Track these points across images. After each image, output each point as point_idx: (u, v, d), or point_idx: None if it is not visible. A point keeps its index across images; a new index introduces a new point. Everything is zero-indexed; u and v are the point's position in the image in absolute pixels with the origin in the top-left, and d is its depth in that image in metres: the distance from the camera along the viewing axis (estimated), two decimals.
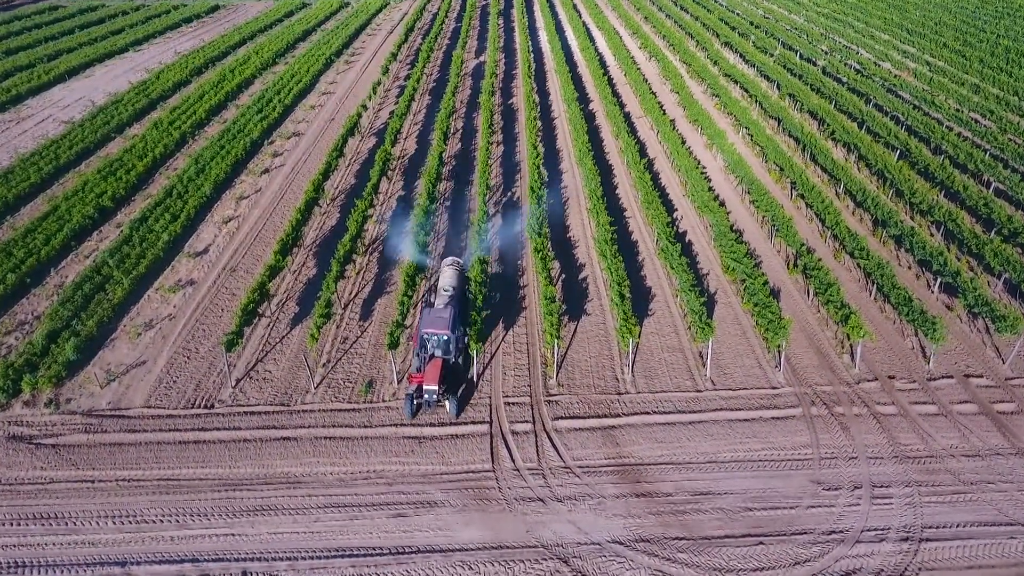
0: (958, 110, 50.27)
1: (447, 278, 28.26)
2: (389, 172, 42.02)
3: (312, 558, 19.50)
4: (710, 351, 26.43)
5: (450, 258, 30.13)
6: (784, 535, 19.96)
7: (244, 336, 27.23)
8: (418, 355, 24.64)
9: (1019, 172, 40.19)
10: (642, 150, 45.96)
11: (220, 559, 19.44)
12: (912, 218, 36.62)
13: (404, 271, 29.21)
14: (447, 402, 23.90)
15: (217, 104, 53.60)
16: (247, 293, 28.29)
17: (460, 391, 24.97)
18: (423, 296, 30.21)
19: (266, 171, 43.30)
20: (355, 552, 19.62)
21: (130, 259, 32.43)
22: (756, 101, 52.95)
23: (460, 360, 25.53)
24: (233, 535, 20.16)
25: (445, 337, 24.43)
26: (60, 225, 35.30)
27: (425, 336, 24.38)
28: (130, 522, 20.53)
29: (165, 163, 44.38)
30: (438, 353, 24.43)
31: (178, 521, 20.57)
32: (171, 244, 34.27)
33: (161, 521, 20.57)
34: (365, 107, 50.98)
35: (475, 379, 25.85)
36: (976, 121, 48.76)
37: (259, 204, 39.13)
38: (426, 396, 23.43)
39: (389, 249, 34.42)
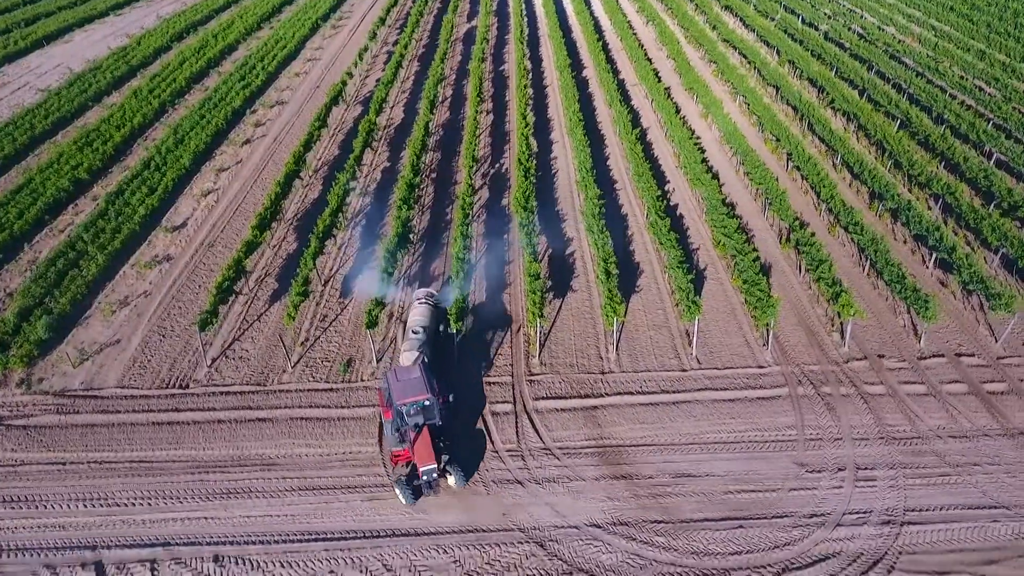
0: (962, 77, 48.77)
1: (417, 316, 24.37)
2: (374, 143, 40.89)
3: (286, 541, 19.22)
4: (696, 329, 25.85)
5: (422, 291, 26.01)
6: (764, 518, 19.65)
7: (219, 315, 26.60)
8: (398, 428, 20.45)
9: (1022, 143, 39.06)
10: (635, 120, 44.71)
11: (192, 543, 19.15)
12: (910, 190, 35.69)
13: (385, 247, 28.42)
14: (450, 475, 20.33)
15: (199, 71, 52.00)
16: (222, 270, 27.56)
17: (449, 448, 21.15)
18: (396, 329, 26.46)
19: (247, 141, 42.12)
20: (330, 536, 19.33)
21: (105, 234, 31.62)
22: (755, 68, 51.38)
23: (444, 413, 21.37)
24: (206, 518, 19.85)
25: (426, 402, 20.34)
26: (34, 198, 34.37)
27: (403, 408, 20.18)
28: (102, 505, 20.21)
29: (144, 133, 43.15)
30: (420, 420, 20.34)
31: (150, 504, 20.25)
32: (148, 218, 33.41)
33: (133, 504, 20.25)
34: (351, 75, 49.45)
35: (456, 358, 25.32)
36: (980, 89, 47.32)
37: (239, 176, 38.11)
38: (425, 478, 19.62)
39: (371, 224, 33.58)
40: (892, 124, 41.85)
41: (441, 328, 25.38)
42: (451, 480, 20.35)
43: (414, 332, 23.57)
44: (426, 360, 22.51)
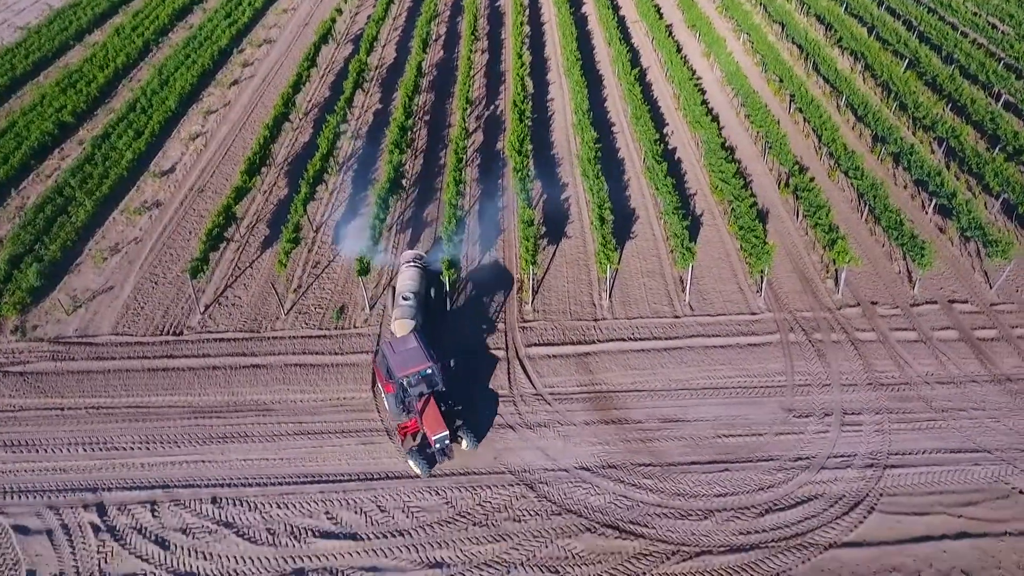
0: (975, 14, 46.89)
1: (407, 280, 23.33)
2: (365, 84, 39.66)
3: (281, 483, 19.69)
4: (690, 276, 25.73)
5: (410, 253, 24.92)
6: (750, 462, 20.07)
7: (210, 262, 26.41)
8: (401, 400, 20.08)
9: None
10: (635, 59, 43.26)
11: (190, 485, 19.63)
12: (914, 133, 34.87)
13: (376, 193, 27.96)
14: (462, 438, 20.16)
15: (182, 7, 49.98)
16: (211, 217, 27.21)
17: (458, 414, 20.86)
18: (383, 293, 25.54)
19: (235, 82, 40.88)
20: (324, 478, 19.79)
21: (93, 179, 31.08)
22: (760, 3, 49.34)
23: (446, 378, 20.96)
24: (203, 461, 20.29)
25: (428, 371, 19.82)
26: (18, 143, 33.62)
27: (404, 380, 19.65)
28: (101, 449, 20.61)
29: (128, 74, 41.83)
30: (424, 389, 19.91)
31: (149, 448, 20.65)
32: (135, 163, 32.77)
33: (132, 448, 20.65)
34: (340, 11, 47.53)
35: (448, 305, 25.32)
36: (993, 26, 45.58)
37: (228, 119, 37.16)
38: (438, 445, 19.44)
39: (363, 168, 32.95)
40: (899, 64, 40.53)
41: (432, 291, 24.58)
42: (464, 444, 20.14)
43: (404, 298, 22.56)
44: (419, 326, 22.08)
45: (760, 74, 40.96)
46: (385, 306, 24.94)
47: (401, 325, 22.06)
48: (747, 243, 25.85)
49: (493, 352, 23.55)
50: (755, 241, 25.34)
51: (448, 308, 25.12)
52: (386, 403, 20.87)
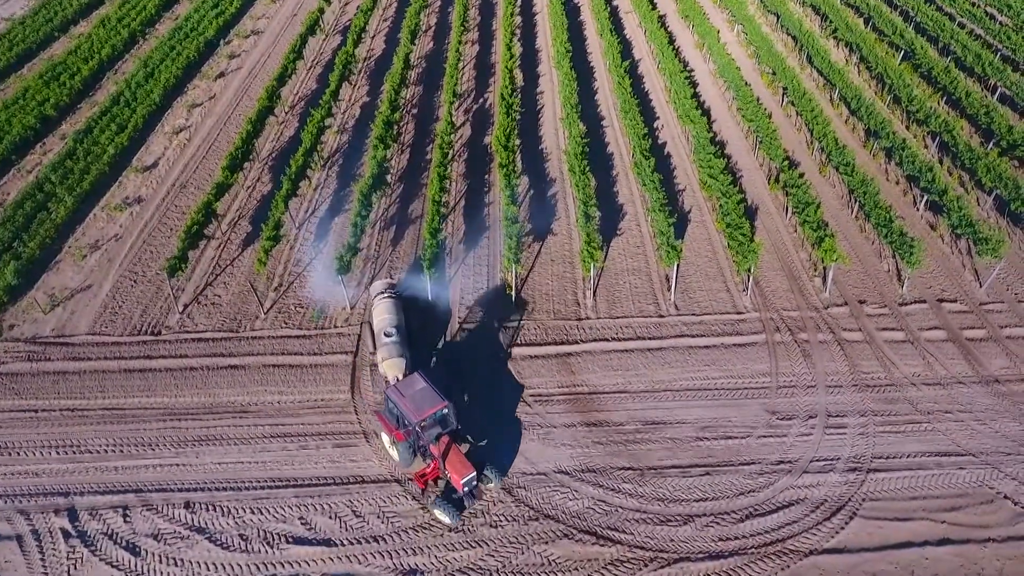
0: (974, 4, 46.14)
1: (384, 314, 21.43)
2: (351, 76, 39.08)
3: (256, 488, 19.44)
4: (675, 275, 25.36)
5: (380, 283, 22.86)
6: (732, 465, 19.80)
7: (189, 260, 26.03)
8: (417, 448, 18.87)
9: None
10: (627, 51, 42.62)
11: (163, 489, 19.38)
12: (908, 127, 34.34)
13: (359, 189, 27.53)
14: (490, 478, 18.73)
15: None
16: (191, 214, 26.81)
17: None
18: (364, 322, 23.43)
19: (221, 75, 40.30)
20: (300, 482, 19.54)
21: (74, 175, 30.63)
22: None
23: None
24: (178, 465, 20.03)
25: (445, 410, 18.51)
26: (0, 137, 33.20)
27: (422, 425, 18.19)
28: (74, 452, 20.34)
29: (113, 66, 41.26)
30: (438, 431, 18.58)
31: (122, 451, 20.39)
32: (118, 157, 32.32)
33: (105, 451, 20.39)
34: (329, 1, 46.80)
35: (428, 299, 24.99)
36: (991, 17, 44.85)
37: (213, 112, 36.65)
38: (467, 489, 18.18)
39: (348, 163, 32.49)
40: (895, 56, 39.92)
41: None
42: (492, 484, 18.88)
43: (387, 335, 20.71)
44: (410, 362, 20.39)
45: (754, 66, 40.35)
46: (362, 340, 22.54)
47: (391, 365, 20.09)
48: (733, 241, 25.45)
49: (474, 353, 23.23)
50: (741, 239, 24.94)
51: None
52: (397, 453, 19.16)
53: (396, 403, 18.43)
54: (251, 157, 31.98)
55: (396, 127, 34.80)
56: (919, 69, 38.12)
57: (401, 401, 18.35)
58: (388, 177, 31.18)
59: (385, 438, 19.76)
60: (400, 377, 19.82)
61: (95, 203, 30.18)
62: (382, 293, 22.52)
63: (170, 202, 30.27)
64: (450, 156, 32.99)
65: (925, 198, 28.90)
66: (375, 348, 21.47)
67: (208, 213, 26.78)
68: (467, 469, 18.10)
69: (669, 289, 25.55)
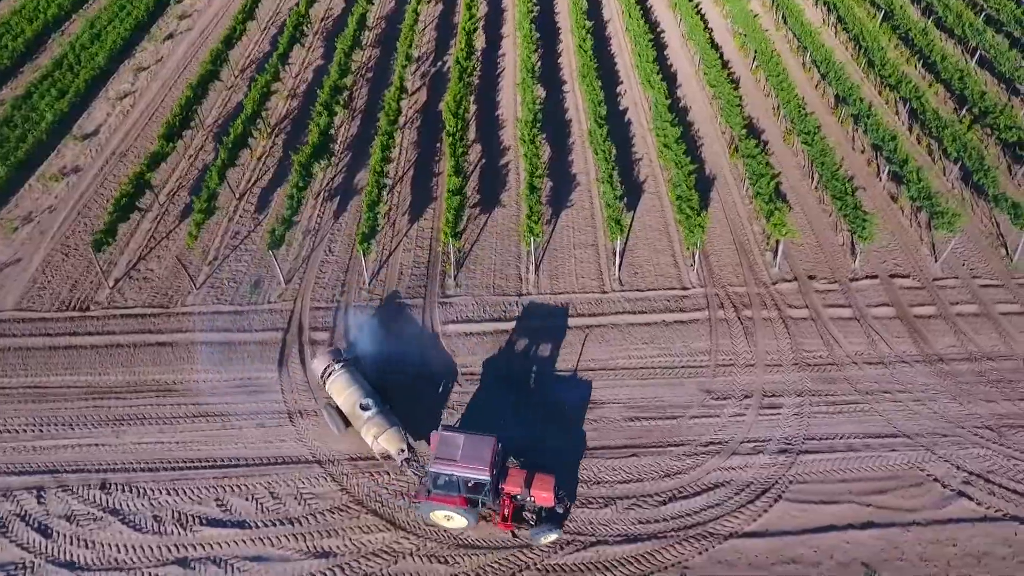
0: None
1: (347, 389, 18.59)
2: (304, 38, 37.49)
3: (174, 468, 19.10)
4: (621, 249, 24.59)
5: (326, 354, 19.42)
6: (660, 447, 19.39)
7: (117, 233, 25.21)
8: (483, 497, 16.86)
9: (1011, 36, 35.73)
10: (596, 11, 40.87)
11: (80, 470, 19.05)
12: (881, 93, 33.03)
13: (297, 160, 26.54)
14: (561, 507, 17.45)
15: None
16: (121, 185, 25.90)
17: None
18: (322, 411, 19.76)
19: (171, 36, 38.73)
20: (219, 463, 19.18)
21: (10, 143, 29.57)
22: None
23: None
24: (97, 445, 19.66)
25: (498, 445, 17.12)
26: None
27: (494, 475, 16.68)
28: None
29: (60, 27, 39.64)
30: (502, 463, 17.53)
31: (41, 431, 19.99)
32: (56, 125, 31.15)
33: (24, 431, 19.99)
34: None
35: (368, 280, 24.30)
36: None
37: (159, 76, 35.29)
38: (557, 498, 17.12)
39: (297, 130, 31.34)
40: (875, 16, 38.26)
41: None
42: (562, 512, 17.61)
43: (365, 408, 18.12)
44: (404, 433, 18.19)
45: (728, 27, 38.72)
46: (361, 430, 18.45)
47: (388, 439, 17.77)
48: (681, 214, 24.59)
49: (410, 331, 22.65)
50: (688, 212, 24.07)
51: (367, 281, 24.09)
52: (465, 520, 17.10)
53: (451, 474, 16.39)
54: (192, 125, 30.82)
55: (348, 92, 33.53)
56: (898, 31, 36.53)
57: (455, 466, 16.35)
58: (334, 146, 30.11)
59: (437, 515, 17.27)
60: (404, 449, 17.66)
61: (30, 173, 29.19)
62: (332, 366, 19.14)
63: (108, 172, 29.29)
64: (402, 123, 31.85)
65: (887, 168, 27.90)
66: (344, 429, 19.08)
67: (141, 184, 25.86)
68: (545, 484, 16.82)
69: (615, 264, 24.81)
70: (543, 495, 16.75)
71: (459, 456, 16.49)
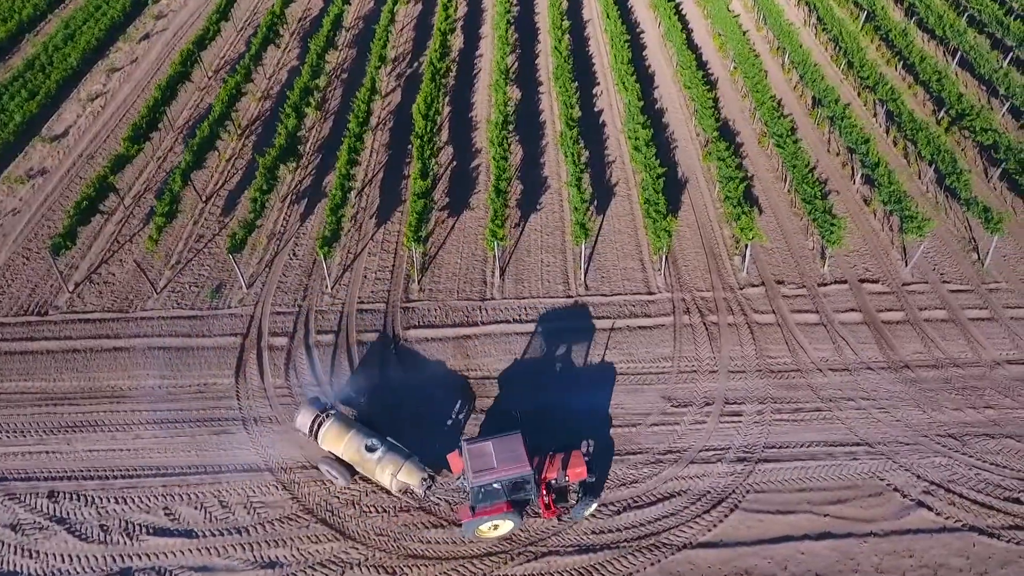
0: None
1: (344, 436, 17.67)
2: (278, 39, 37.17)
3: (125, 476, 18.83)
4: (587, 253, 24.31)
5: (306, 411, 18.12)
6: (618, 455, 19.11)
7: (77, 237, 24.91)
8: (530, 491, 16.88)
9: (992, 37, 35.44)
10: (575, 10, 40.57)
11: (29, 478, 18.78)
12: (859, 94, 32.74)
13: (263, 163, 26.25)
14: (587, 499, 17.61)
15: None
16: (83, 187, 25.63)
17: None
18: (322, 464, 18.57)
19: (146, 36, 38.45)
20: (169, 471, 18.92)
21: None
22: None
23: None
24: (47, 452, 19.39)
25: (526, 440, 16.85)
26: None
27: (523, 475, 16.40)
28: None
29: (35, 28, 39.37)
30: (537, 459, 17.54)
31: None
32: (25, 126, 30.89)
33: None
34: None
35: (330, 285, 24.02)
36: None
37: (132, 77, 35.01)
38: (590, 478, 17.52)
39: (268, 133, 31.05)
40: (858, 17, 37.97)
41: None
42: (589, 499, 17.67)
43: (373, 450, 17.38)
44: (421, 465, 17.56)
45: (708, 28, 38.42)
46: (331, 477, 18.31)
47: (408, 473, 17.17)
48: (648, 218, 24.30)
49: (370, 336, 22.38)
50: (655, 215, 23.78)
51: (329, 287, 23.81)
52: (513, 521, 16.91)
53: (493, 481, 16.14)
54: (160, 126, 30.53)
55: (321, 94, 33.25)
56: (879, 31, 36.23)
57: (498, 473, 16.13)
58: (304, 148, 29.83)
59: (482, 528, 16.95)
60: (425, 478, 17.27)
61: None
62: (319, 417, 18.05)
63: (75, 174, 29.01)
64: (374, 125, 31.58)
65: (860, 172, 27.60)
66: (350, 478, 18.11)
67: (103, 187, 25.58)
68: (577, 459, 17.25)
69: (581, 268, 24.53)
70: (578, 470, 17.14)
71: (495, 462, 16.28)
